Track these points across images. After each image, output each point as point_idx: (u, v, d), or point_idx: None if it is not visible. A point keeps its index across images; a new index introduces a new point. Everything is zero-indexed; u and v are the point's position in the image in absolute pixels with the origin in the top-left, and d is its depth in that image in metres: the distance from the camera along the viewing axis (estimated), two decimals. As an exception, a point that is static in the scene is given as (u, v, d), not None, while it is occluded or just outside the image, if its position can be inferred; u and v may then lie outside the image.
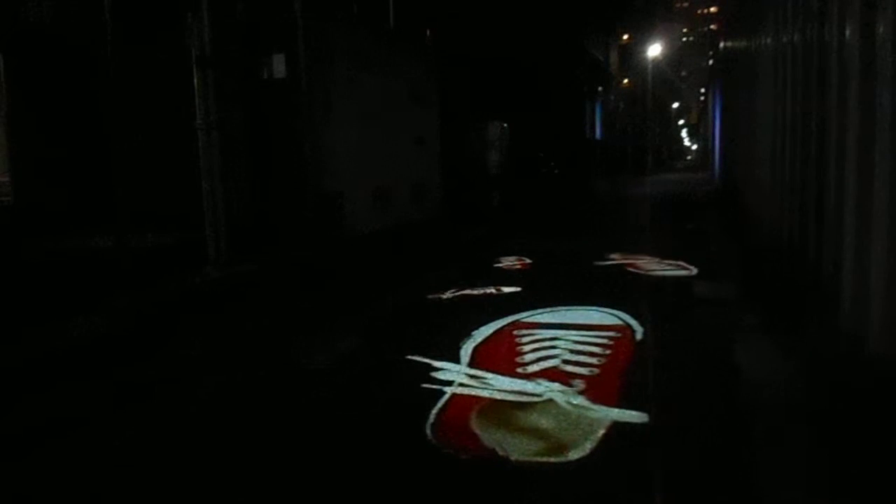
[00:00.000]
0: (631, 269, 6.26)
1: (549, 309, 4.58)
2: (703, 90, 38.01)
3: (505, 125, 12.84)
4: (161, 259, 5.76)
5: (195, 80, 5.84)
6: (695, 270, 6.04)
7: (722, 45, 15.18)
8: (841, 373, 2.79)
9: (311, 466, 2.45)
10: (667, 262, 6.54)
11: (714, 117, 19.26)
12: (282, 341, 4.19)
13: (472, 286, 5.63)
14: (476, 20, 13.38)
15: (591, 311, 4.50)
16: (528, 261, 6.95)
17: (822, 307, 3.45)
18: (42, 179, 7.74)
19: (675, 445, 2.48)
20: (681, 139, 64.99)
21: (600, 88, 23.39)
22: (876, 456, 2.17)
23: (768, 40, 5.99)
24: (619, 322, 4.20)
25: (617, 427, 2.62)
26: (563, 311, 4.53)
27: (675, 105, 54.89)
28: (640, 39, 30.91)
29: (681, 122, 63.12)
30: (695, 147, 60.35)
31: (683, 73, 58.84)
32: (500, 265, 6.74)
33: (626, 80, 31.09)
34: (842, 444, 2.33)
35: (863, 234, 2.80)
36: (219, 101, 5.90)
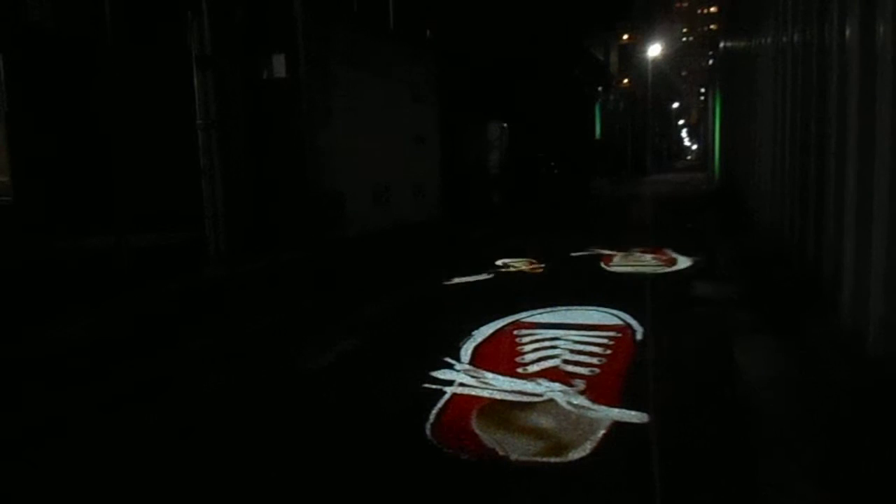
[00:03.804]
0: (633, 271, 6.26)
1: (548, 309, 4.58)
2: (703, 90, 38.02)
3: (505, 125, 12.85)
4: (161, 259, 5.76)
5: (195, 80, 5.85)
6: (694, 271, 6.04)
7: (722, 45, 15.18)
8: (841, 372, 2.79)
9: (314, 466, 2.45)
10: (664, 260, 6.54)
11: (714, 117, 19.26)
12: (282, 341, 4.19)
13: (473, 287, 5.63)
14: (476, 20, 13.37)
15: (591, 311, 4.50)
16: (529, 261, 6.94)
17: (821, 306, 3.45)
18: (42, 179, 7.73)
19: (675, 446, 2.48)
20: (681, 139, 65.00)
21: (600, 88, 23.39)
22: (875, 454, 2.17)
23: (768, 40, 6.00)
24: (620, 322, 4.20)
25: (617, 427, 2.62)
26: (564, 311, 4.53)
27: (675, 105, 54.90)
28: (640, 39, 30.92)
29: (681, 122, 63.12)
30: (695, 147, 60.36)
31: (683, 73, 58.89)
32: (500, 265, 6.74)
33: (626, 80, 31.09)
34: (842, 443, 2.33)
35: (863, 234, 2.80)
36: (219, 101, 5.90)
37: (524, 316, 4.43)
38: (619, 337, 3.88)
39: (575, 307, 4.63)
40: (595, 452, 2.41)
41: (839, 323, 3.10)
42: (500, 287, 5.72)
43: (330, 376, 3.48)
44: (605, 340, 3.79)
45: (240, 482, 2.35)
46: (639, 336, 3.90)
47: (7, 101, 7.76)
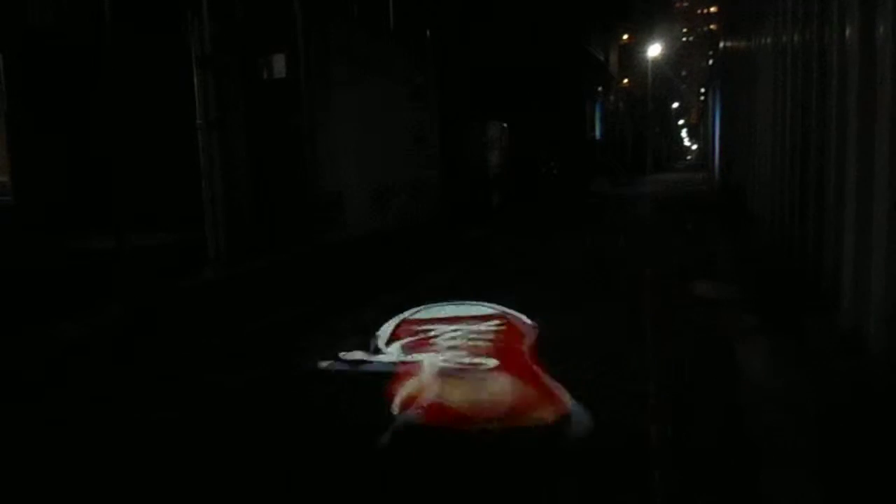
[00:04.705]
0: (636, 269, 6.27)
1: (426, 305, 4.77)
2: (703, 90, 38.02)
3: (505, 125, 12.84)
4: (161, 259, 5.75)
5: (195, 80, 5.85)
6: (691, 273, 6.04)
7: (722, 45, 15.19)
8: (841, 370, 2.79)
9: (314, 462, 2.46)
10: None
11: (714, 117, 19.26)
12: (282, 341, 4.20)
13: (473, 286, 5.62)
14: (476, 20, 13.38)
15: (468, 306, 4.69)
16: (529, 261, 6.95)
17: (822, 304, 3.45)
18: (42, 179, 7.74)
19: (673, 445, 2.48)
20: (681, 139, 64.97)
21: (600, 88, 23.40)
22: (877, 453, 2.17)
23: (768, 40, 6.00)
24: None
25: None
26: (443, 306, 4.71)
27: (675, 105, 54.86)
28: (640, 39, 30.93)
29: (681, 122, 63.10)
30: (695, 147, 60.36)
31: (683, 73, 58.87)
32: (500, 265, 6.74)
33: (626, 80, 31.09)
34: (844, 442, 2.33)
35: (862, 232, 2.80)
36: (219, 101, 5.90)
37: (409, 314, 4.58)
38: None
39: (454, 303, 4.80)
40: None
41: (839, 321, 3.11)
42: (502, 287, 5.71)
43: (330, 375, 3.49)
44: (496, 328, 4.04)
45: (241, 480, 2.35)
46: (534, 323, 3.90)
47: (7, 101, 7.76)
